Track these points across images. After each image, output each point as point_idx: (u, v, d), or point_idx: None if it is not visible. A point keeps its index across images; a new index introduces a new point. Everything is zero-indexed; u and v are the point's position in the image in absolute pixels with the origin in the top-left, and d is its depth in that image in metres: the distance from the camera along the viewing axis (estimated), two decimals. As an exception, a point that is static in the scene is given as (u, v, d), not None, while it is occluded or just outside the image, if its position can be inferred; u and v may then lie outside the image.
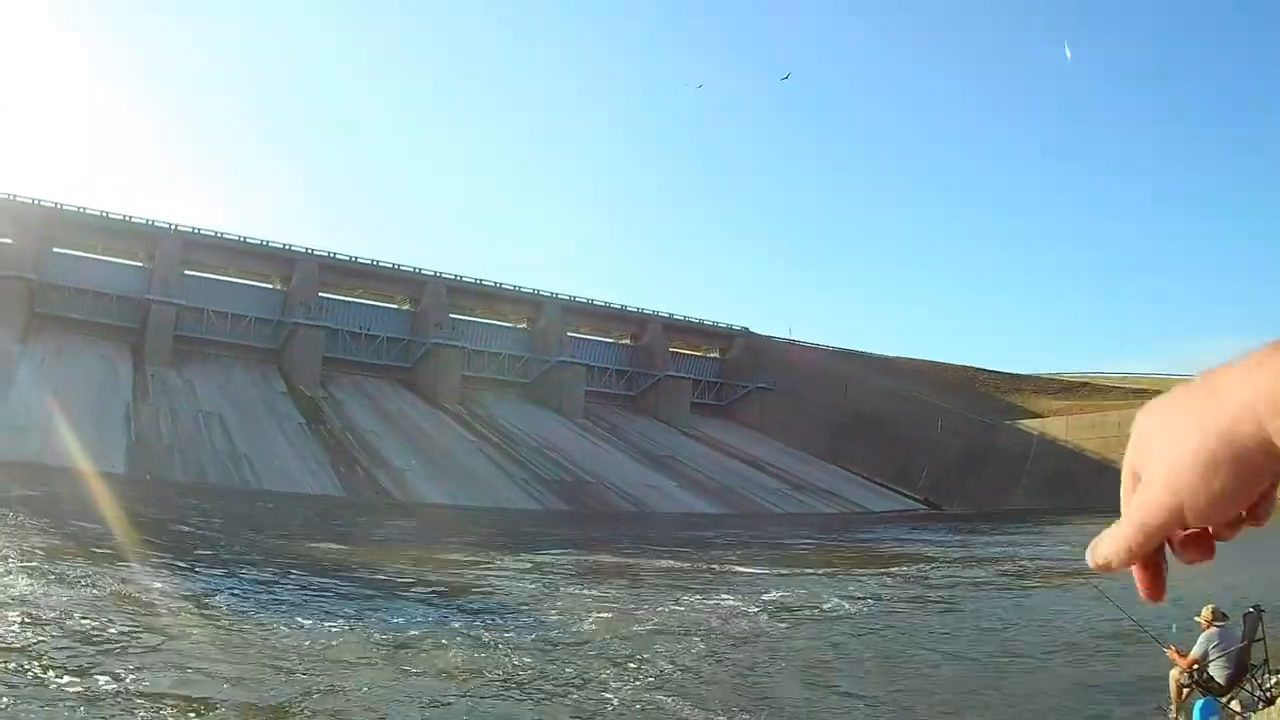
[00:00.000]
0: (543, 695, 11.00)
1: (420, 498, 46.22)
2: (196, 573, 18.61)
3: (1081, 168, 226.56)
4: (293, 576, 19.25)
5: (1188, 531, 0.82)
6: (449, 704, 10.43)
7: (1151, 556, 0.83)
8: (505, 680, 11.45)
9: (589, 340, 78.29)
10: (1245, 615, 10.18)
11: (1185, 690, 9.94)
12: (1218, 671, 9.83)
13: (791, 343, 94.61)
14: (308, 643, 12.82)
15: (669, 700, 10.87)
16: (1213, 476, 0.75)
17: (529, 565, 23.80)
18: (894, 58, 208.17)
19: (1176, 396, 0.80)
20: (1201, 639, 9.97)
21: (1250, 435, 0.72)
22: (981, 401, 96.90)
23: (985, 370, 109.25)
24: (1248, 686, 9.83)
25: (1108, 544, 0.83)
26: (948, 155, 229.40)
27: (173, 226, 56.94)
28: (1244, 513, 0.80)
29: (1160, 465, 0.79)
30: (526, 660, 12.61)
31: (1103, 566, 0.84)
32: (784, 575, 24.51)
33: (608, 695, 11.03)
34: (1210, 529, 0.82)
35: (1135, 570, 0.84)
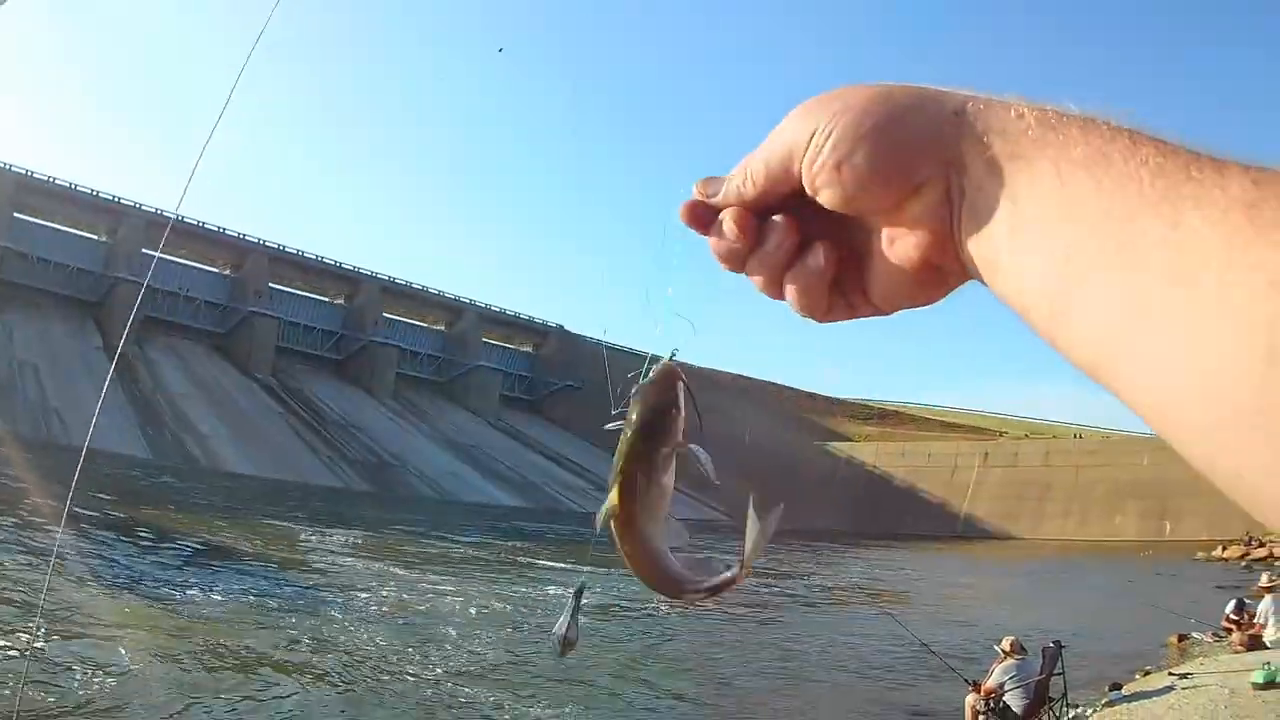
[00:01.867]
0: (374, 674, 12.02)
1: (225, 465, 47.48)
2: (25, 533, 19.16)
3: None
4: (120, 542, 20.31)
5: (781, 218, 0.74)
6: (290, 677, 11.41)
7: (748, 210, 0.74)
8: (347, 660, 12.46)
9: (404, 323, 78.42)
10: (1045, 649, 10.43)
11: (981, 717, 10.11)
12: (1014, 701, 9.97)
13: (602, 344, 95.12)
14: (153, 610, 13.87)
15: (476, 690, 11.51)
16: (877, 114, 0.66)
17: (347, 543, 25.72)
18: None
19: None
20: (999, 669, 10.18)
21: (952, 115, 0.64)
22: (793, 420, 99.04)
23: (797, 390, 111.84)
24: (1045, 718, 10.04)
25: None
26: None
27: (8, 166, 54.94)
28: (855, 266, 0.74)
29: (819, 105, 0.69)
30: (365, 640, 13.70)
31: (703, 194, 0.77)
32: (595, 573, 26.57)
33: (426, 677, 12.00)
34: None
35: (726, 220, 0.74)
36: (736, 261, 0.77)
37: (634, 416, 0.91)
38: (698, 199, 0.78)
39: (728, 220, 0.75)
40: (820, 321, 0.78)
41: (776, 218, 0.74)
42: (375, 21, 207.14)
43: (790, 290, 0.76)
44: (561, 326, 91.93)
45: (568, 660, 12.95)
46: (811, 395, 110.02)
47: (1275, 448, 0.43)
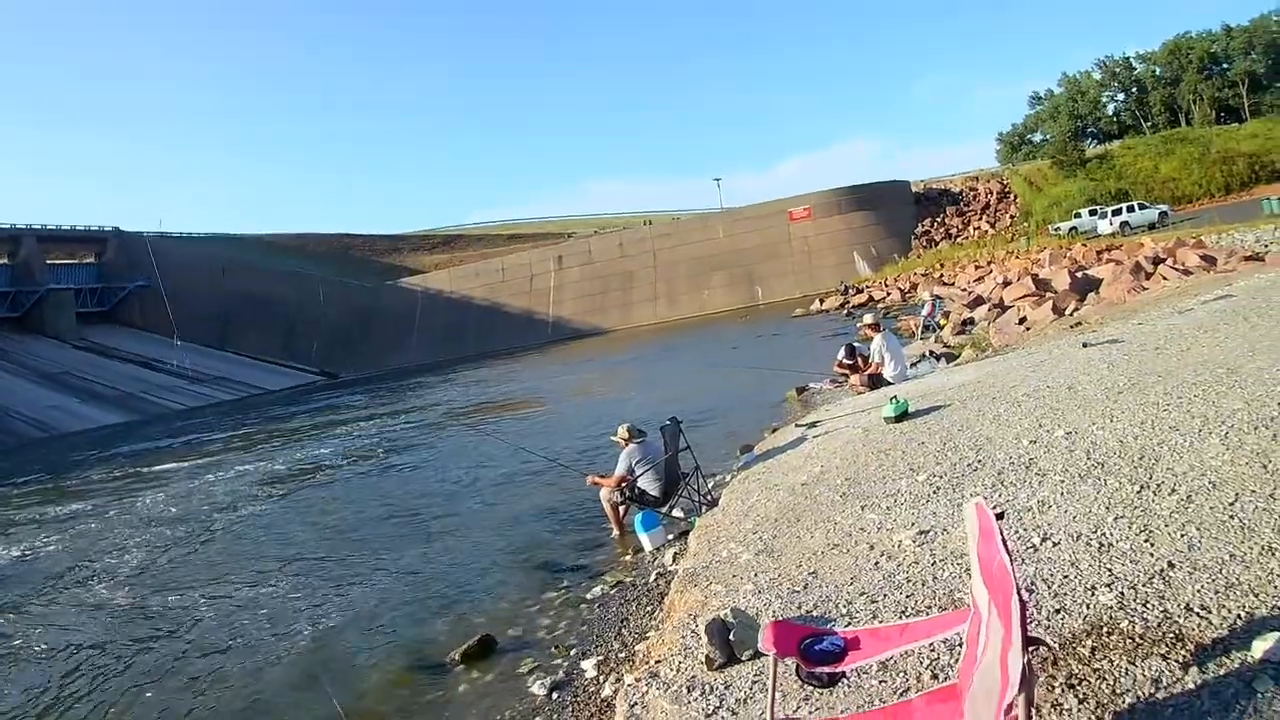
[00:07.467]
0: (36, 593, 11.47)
1: None
2: None
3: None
4: None
5: None
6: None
7: None
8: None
9: (-34, 265, 74.32)
10: (663, 428, 10.10)
11: (622, 507, 9.91)
12: (649, 484, 9.81)
13: (162, 236, 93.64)
14: None
15: (143, 595, 10.94)
16: None
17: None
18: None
19: None
20: (623, 456, 9.87)
21: None
22: (359, 267, 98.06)
23: (357, 235, 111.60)
24: (685, 493, 9.85)
25: None
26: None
27: None
28: None
29: None
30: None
31: None
32: (213, 461, 25.42)
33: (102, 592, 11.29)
34: None
35: None
36: None
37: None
38: None
39: None
40: None
41: None
42: None
43: None
44: (118, 228, 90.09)
45: (239, 544, 13.17)
46: (371, 237, 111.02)
47: None
